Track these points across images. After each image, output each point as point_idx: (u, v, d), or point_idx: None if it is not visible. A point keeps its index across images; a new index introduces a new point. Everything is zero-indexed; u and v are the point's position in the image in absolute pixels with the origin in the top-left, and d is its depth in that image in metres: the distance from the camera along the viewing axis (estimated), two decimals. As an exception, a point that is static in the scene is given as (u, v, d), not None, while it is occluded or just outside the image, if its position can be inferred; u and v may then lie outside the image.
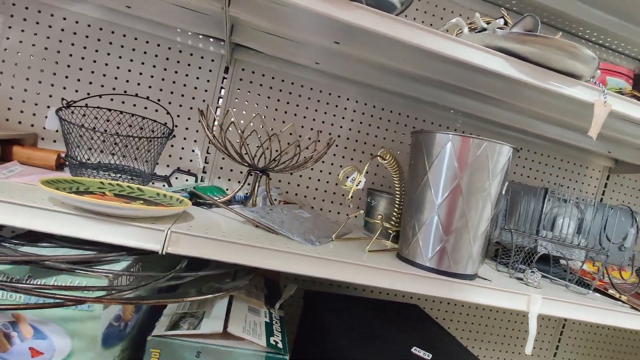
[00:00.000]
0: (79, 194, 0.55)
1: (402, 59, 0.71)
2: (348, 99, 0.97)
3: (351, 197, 0.66)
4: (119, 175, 0.71)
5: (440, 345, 0.72)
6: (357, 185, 0.65)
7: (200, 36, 0.86)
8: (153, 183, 0.82)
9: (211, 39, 0.86)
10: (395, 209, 0.79)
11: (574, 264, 0.87)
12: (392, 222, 0.79)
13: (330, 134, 0.97)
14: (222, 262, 0.53)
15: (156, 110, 0.86)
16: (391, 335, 0.72)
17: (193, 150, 0.75)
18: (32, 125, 0.81)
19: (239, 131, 0.68)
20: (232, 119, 0.72)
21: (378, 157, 0.71)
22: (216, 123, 0.87)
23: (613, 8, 0.96)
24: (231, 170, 0.91)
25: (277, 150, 0.90)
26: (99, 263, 0.48)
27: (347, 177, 0.68)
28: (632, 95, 0.74)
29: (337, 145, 0.98)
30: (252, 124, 0.91)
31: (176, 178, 0.87)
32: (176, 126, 0.86)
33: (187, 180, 0.87)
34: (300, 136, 0.95)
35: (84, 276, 0.46)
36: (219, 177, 0.90)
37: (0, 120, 0.79)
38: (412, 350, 0.62)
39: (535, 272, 0.71)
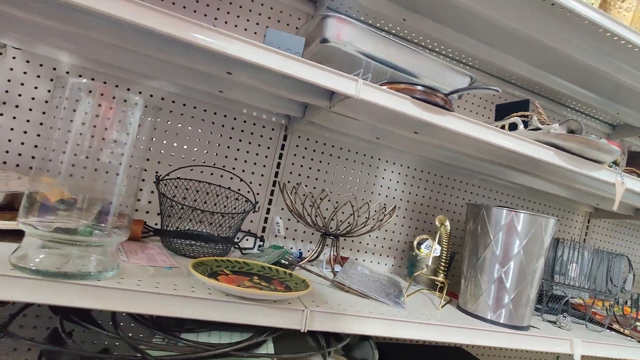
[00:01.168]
0: (210, 276, 0.61)
1: (467, 145, 0.84)
2: (396, 164, 1.09)
3: (429, 264, 0.76)
4: (206, 243, 0.77)
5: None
6: (433, 253, 0.75)
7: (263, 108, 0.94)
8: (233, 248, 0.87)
9: (274, 112, 0.95)
10: (442, 264, 0.91)
11: (578, 302, 1.04)
12: (439, 274, 0.90)
13: (380, 194, 1.07)
14: (350, 333, 0.60)
15: (221, 176, 0.91)
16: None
17: (277, 223, 0.82)
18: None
19: (313, 201, 0.76)
20: (305, 192, 0.81)
21: (437, 222, 0.83)
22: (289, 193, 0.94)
23: (585, 83, 1.16)
24: (295, 230, 0.98)
25: (347, 221, 0.99)
26: (256, 347, 0.54)
27: (420, 245, 0.78)
28: (631, 172, 0.93)
29: (384, 206, 1.08)
30: (308, 187, 0.99)
31: (238, 239, 0.92)
32: (254, 197, 0.92)
33: (247, 239, 0.93)
34: (368, 203, 1.04)
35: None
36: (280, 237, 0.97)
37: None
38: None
39: (566, 316, 0.86)
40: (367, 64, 0.74)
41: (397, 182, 1.10)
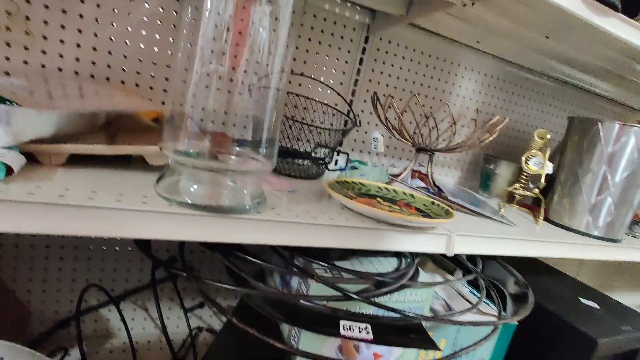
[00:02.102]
0: (361, 196, 0.56)
1: (594, 52, 0.75)
2: (488, 75, 0.99)
3: (545, 182, 0.73)
4: (305, 160, 0.71)
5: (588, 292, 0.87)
6: (546, 170, 0.72)
7: (349, 4, 0.79)
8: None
9: (358, 7, 0.81)
10: (524, 178, 0.89)
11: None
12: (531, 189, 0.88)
13: (468, 108, 1.00)
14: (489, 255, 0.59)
15: (299, 85, 0.81)
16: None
17: (376, 139, 0.75)
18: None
19: (415, 115, 0.69)
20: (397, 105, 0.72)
21: (536, 136, 0.78)
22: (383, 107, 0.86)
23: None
24: (370, 143, 0.92)
25: (442, 137, 0.92)
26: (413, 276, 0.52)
27: (529, 160, 0.74)
28: None
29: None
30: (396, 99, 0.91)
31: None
32: (353, 112, 0.83)
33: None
34: (465, 115, 0.97)
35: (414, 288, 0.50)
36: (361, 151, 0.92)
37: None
38: (581, 300, 0.77)
39: (644, 227, 0.88)
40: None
41: (473, 90, 1.02)
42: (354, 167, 0.82)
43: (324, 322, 0.37)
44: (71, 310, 0.77)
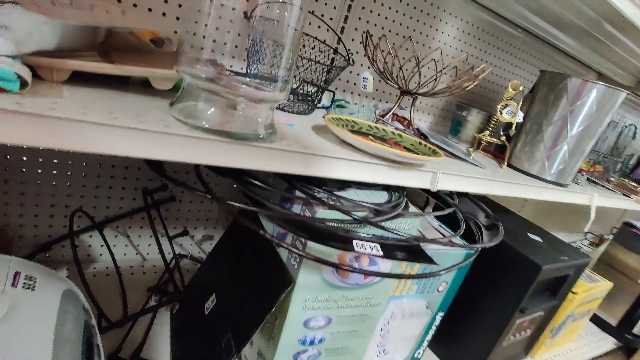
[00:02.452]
0: (354, 133, 0.59)
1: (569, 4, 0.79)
2: (469, 23, 1.00)
3: (514, 132, 0.80)
4: (298, 97, 0.72)
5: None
6: (517, 119, 0.79)
7: None
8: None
9: (355, -64, 0.77)
10: (492, 125, 0.96)
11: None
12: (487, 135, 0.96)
13: (447, 55, 1.02)
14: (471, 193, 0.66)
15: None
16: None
17: (365, 79, 0.76)
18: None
19: (397, 58, 0.72)
20: (391, 49, 0.74)
21: (510, 87, 0.84)
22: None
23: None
24: (354, 83, 0.93)
25: (428, 82, 0.94)
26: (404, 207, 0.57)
27: (504, 109, 0.80)
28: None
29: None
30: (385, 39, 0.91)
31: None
32: (345, 49, 0.82)
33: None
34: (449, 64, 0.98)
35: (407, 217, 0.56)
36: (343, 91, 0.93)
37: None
38: (528, 234, 0.89)
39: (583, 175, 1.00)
40: None
41: (454, 37, 1.04)
42: (340, 106, 0.84)
43: (339, 240, 0.42)
44: (50, 235, 0.76)
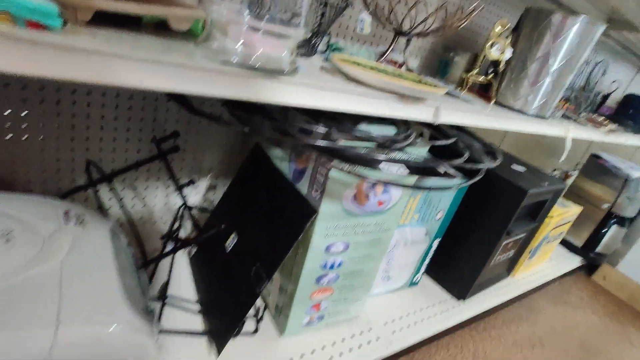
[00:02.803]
0: None
1: None
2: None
3: (502, 68, 0.84)
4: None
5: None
6: (505, 56, 0.83)
7: None
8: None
9: None
10: (479, 65, 1.00)
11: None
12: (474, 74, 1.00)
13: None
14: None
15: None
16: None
17: (362, 21, 0.76)
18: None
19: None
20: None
21: (497, 25, 0.87)
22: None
23: None
24: (347, 27, 0.94)
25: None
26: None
27: (492, 46, 0.84)
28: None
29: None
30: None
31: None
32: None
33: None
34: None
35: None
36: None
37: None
38: (512, 166, 0.96)
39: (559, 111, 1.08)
40: None
41: (440, -22, 1.05)
42: (337, 49, 0.85)
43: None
44: (60, 189, 0.77)
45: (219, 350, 0.62)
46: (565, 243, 1.54)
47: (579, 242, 1.51)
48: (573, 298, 1.48)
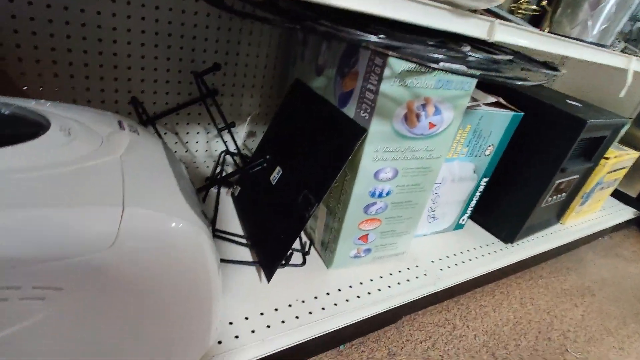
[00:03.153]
0: None
1: None
2: None
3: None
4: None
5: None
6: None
7: None
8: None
9: None
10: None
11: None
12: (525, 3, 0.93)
13: None
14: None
15: None
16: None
17: None
18: None
19: None
20: None
21: None
22: None
23: None
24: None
25: None
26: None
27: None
28: None
29: None
30: None
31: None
32: None
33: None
34: None
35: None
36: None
37: None
38: (567, 100, 0.90)
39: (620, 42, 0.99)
40: None
41: None
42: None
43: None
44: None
45: (269, 277, 0.63)
46: (617, 194, 1.45)
47: (632, 193, 1.42)
48: (625, 252, 1.41)
